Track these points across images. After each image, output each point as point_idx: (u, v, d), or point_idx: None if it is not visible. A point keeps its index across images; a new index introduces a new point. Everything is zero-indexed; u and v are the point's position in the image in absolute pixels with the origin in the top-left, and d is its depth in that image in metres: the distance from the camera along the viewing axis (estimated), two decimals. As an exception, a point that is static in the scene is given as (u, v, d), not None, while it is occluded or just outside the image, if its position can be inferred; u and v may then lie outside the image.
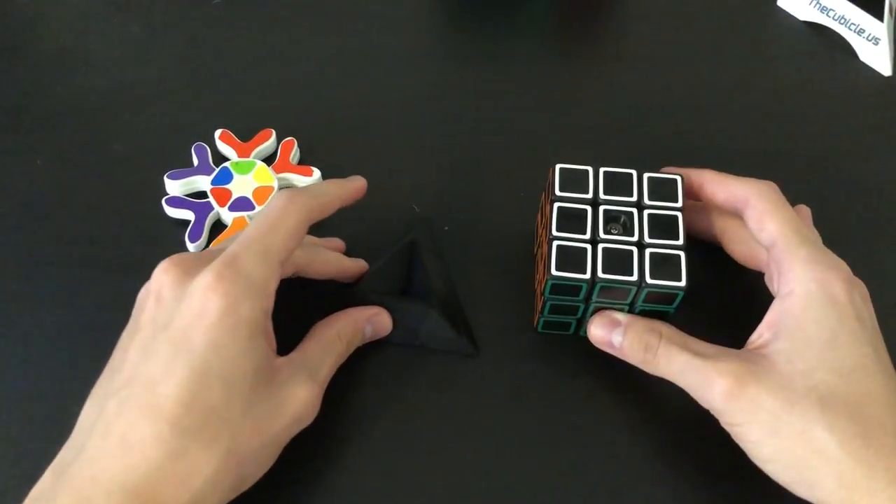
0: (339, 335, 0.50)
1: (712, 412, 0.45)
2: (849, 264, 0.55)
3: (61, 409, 0.49)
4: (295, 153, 0.61)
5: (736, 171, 0.59)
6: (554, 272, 0.46)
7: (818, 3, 0.68)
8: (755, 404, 0.43)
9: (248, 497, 0.44)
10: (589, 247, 0.47)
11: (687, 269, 0.46)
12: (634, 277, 0.46)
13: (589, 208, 0.48)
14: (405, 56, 0.68)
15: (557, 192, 0.48)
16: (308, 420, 0.46)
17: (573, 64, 0.68)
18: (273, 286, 0.45)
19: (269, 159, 0.60)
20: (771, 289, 0.48)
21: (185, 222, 0.57)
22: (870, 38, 0.66)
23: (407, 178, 0.60)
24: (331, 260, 0.53)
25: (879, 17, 0.65)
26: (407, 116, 0.64)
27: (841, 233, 0.58)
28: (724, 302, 0.55)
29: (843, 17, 0.67)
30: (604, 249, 0.47)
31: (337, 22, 0.69)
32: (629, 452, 0.50)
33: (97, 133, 0.62)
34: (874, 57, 0.67)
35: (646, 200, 0.48)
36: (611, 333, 0.49)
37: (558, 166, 0.49)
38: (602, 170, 0.49)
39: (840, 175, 0.62)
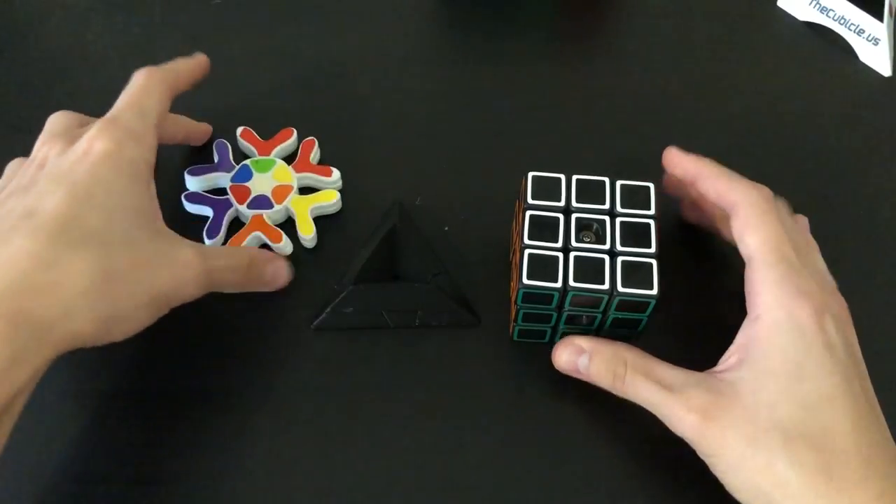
0: (246, 251, 0.52)
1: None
2: (848, 266, 0.55)
3: (60, 406, 0.51)
4: (315, 153, 0.61)
5: (736, 171, 0.59)
6: (525, 281, 0.46)
7: (818, 3, 0.67)
8: (721, 439, 0.43)
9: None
10: (560, 255, 0.47)
11: (659, 277, 0.46)
12: (606, 286, 0.46)
13: (561, 216, 0.48)
14: (405, 56, 0.68)
15: (530, 200, 0.48)
16: (185, 291, 0.47)
17: (573, 64, 0.68)
18: (153, 143, 0.49)
19: (288, 159, 0.60)
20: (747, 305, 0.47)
21: (204, 218, 0.57)
22: (870, 38, 0.65)
23: (406, 176, 0.61)
24: (180, 121, 0.58)
25: (879, 17, 0.64)
26: (405, 115, 0.64)
27: (841, 234, 0.58)
28: (700, 310, 0.54)
29: (843, 18, 0.66)
30: (575, 258, 0.47)
31: (336, 21, 0.70)
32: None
33: (97, 132, 0.63)
34: (874, 57, 0.66)
35: (618, 208, 0.48)
36: (576, 361, 0.49)
37: (531, 174, 0.49)
38: (575, 177, 0.49)
39: (840, 175, 0.61)
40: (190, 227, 0.56)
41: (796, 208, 0.57)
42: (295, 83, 0.66)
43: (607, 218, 0.48)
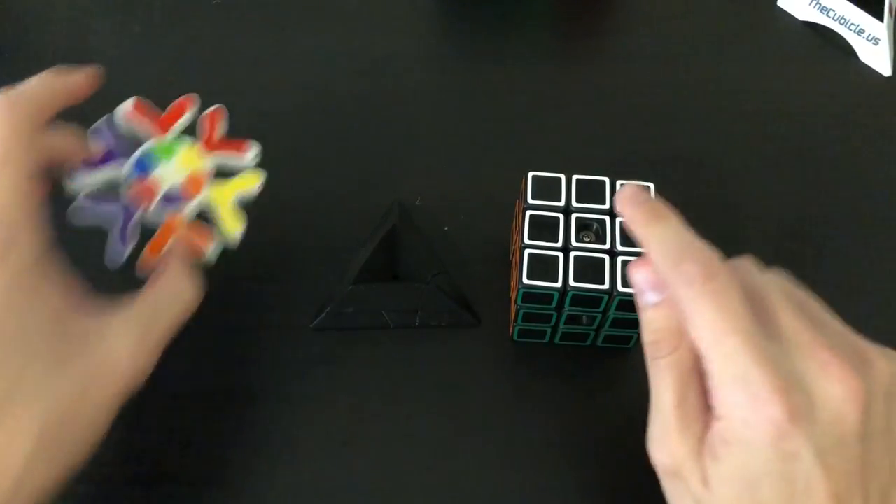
0: (186, 283, 0.45)
1: None
2: (848, 266, 0.55)
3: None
4: (222, 127, 0.51)
5: (736, 171, 0.59)
6: (525, 281, 0.46)
7: (818, 3, 0.67)
8: (678, 499, 0.40)
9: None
10: (560, 255, 0.47)
11: (659, 277, 0.46)
12: (606, 286, 0.46)
13: (561, 216, 0.48)
14: (405, 55, 0.68)
15: (530, 200, 0.48)
16: (133, 385, 0.41)
17: (573, 64, 0.68)
18: (35, 215, 0.39)
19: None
20: None
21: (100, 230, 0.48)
22: (870, 38, 0.65)
23: (406, 176, 0.61)
24: (56, 139, 0.45)
25: (879, 17, 0.64)
26: (405, 116, 0.64)
27: (841, 234, 0.57)
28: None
29: (843, 17, 0.66)
30: (575, 258, 0.47)
31: (336, 21, 0.69)
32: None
33: (97, 132, 0.63)
34: (874, 57, 0.66)
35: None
36: (648, 291, 0.40)
37: (531, 174, 0.49)
38: (575, 177, 0.49)
39: (840, 175, 0.61)
40: (85, 240, 0.46)
41: (794, 209, 0.57)
42: (295, 83, 0.66)
43: (607, 218, 0.48)
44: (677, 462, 0.38)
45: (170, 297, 0.44)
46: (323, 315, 0.53)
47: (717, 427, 0.37)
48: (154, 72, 0.66)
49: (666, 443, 0.39)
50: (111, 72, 0.63)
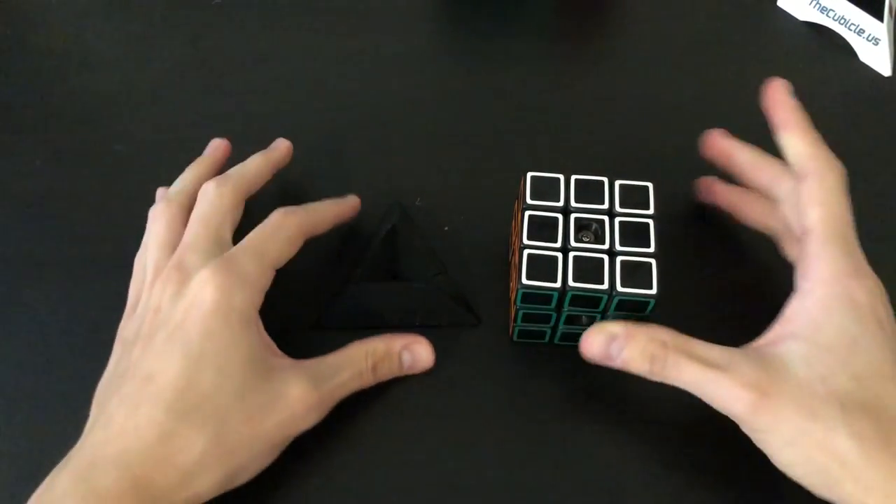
0: (366, 353, 0.50)
1: (732, 418, 0.44)
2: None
3: (61, 408, 0.51)
4: None
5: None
6: (524, 281, 0.46)
7: (818, 3, 0.67)
8: (778, 415, 0.42)
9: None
10: (560, 255, 0.47)
11: (658, 276, 0.46)
12: (605, 286, 0.46)
13: (560, 216, 0.48)
14: (405, 56, 0.68)
15: (528, 201, 0.48)
16: (302, 424, 0.47)
17: (572, 64, 0.68)
18: (265, 285, 0.48)
19: None
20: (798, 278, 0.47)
21: None
22: (870, 38, 0.65)
23: (406, 176, 0.61)
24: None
25: (879, 17, 0.64)
26: (405, 116, 0.64)
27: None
28: (699, 310, 0.54)
29: (843, 18, 0.66)
30: (574, 258, 0.47)
31: (337, 21, 0.70)
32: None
33: (97, 133, 0.63)
34: (874, 57, 0.66)
35: (617, 208, 0.48)
36: (608, 348, 0.46)
37: (529, 174, 0.49)
38: (573, 177, 0.49)
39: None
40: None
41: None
42: (295, 83, 0.66)
43: (606, 218, 0.48)
44: (761, 385, 0.42)
45: (347, 365, 0.49)
46: (323, 315, 0.53)
47: (808, 303, 0.45)
48: (154, 72, 0.66)
49: (741, 388, 0.43)
50: (111, 72, 0.63)
